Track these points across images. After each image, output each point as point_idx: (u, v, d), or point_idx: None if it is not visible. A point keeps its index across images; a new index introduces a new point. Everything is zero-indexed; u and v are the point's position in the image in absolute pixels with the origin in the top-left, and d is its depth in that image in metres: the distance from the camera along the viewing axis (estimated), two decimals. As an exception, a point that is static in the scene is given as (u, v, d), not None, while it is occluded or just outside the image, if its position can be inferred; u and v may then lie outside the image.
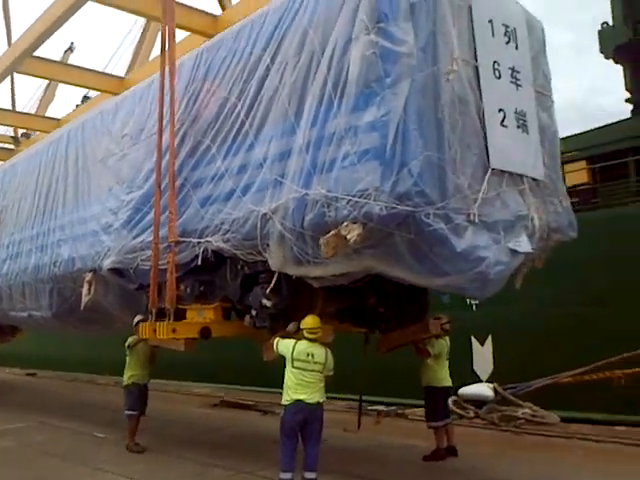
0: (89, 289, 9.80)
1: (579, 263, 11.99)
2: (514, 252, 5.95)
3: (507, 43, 6.60)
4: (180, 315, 8.28)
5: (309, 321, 6.72)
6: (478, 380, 13.36)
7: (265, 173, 6.59)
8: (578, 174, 14.56)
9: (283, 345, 6.79)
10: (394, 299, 7.79)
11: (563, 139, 15.54)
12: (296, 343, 6.71)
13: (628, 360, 10.19)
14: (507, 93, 6.44)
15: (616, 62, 15.00)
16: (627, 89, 14.98)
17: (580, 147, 14.94)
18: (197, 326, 7.73)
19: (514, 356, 12.56)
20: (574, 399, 11.49)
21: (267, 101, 6.75)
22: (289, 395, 6.69)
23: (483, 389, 12.54)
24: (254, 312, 7.20)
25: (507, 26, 6.63)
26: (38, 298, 11.74)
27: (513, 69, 6.59)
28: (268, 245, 6.49)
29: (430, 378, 8.34)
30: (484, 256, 5.57)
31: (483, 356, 13.97)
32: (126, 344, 9.37)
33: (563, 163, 14.61)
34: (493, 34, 6.42)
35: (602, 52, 14.80)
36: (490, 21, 6.40)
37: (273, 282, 6.78)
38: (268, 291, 6.88)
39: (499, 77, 6.38)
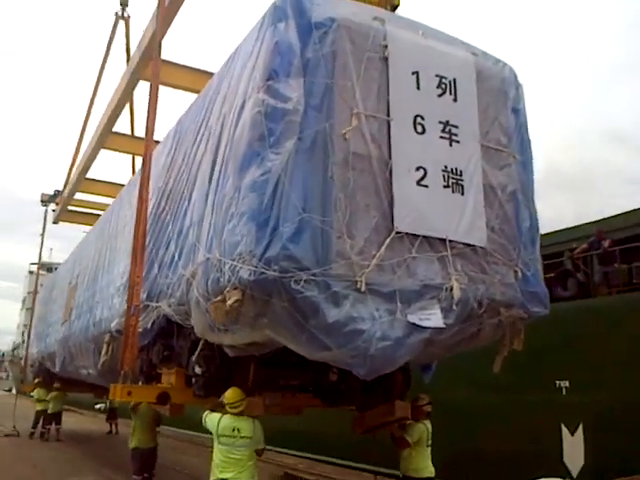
0: (107, 349, 10.19)
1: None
2: (416, 326, 5.22)
3: (440, 95, 6.02)
4: (158, 379, 8.34)
5: (228, 394, 6.32)
6: (569, 475, 11.84)
7: (190, 237, 6.52)
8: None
9: (210, 419, 6.44)
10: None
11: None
12: (221, 417, 6.33)
13: None
14: (433, 149, 5.83)
15: None
16: None
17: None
18: (155, 390, 7.65)
19: (608, 449, 11.03)
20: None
21: (197, 166, 6.74)
22: (215, 474, 6.28)
23: (553, 486, 11.03)
24: (193, 379, 7.00)
25: (443, 77, 6.07)
26: (88, 356, 12.45)
27: (446, 123, 5.98)
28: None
29: (407, 467, 7.42)
30: (361, 329, 4.95)
31: (574, 447, 12.39)
32: (129, 407, 9.52)
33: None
34: (418, 86, 5.90)
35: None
36: (415, 73, 5.90)
37: (198, 349, 6.58)
38: (196, 358, 6.68)
39: (422, 132, 5.80)
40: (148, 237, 7.95)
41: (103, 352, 10.20)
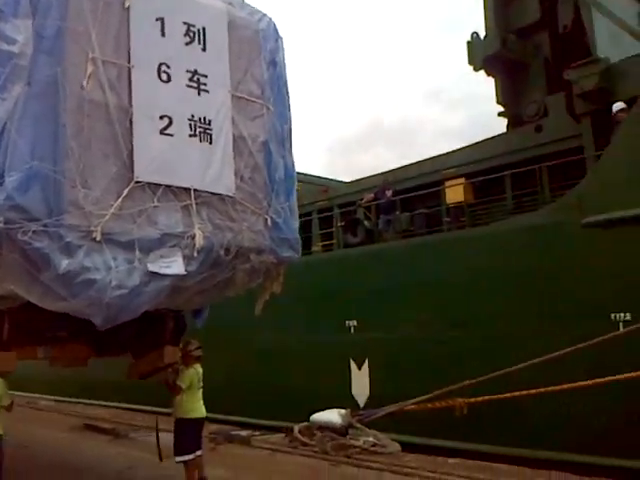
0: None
1: (446, 286, 11.76)
2: (155, 274, 5.31)
3: (188, 44, 6.01)
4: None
5: None
6: (357, 405, 12.83)
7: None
8: (455, 192, 13.95)
9: None
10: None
11: (442, 155, 15.17)
12: None
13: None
14: (179, 98, 5.84)
15: (488, 74, 14.40)
16: (498, 102, 14.34)
17: (458, 164, 14.40)
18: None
19: (388, 380, 12.20)
20: (421, 427, 10.99)
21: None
22: None
23: (332, 416, 11.84)
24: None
25: (191, 25, 6.05)
26: None
27: (195, 72, 6.00)
28: None
29: (178, 409, 7.55)
30: (94, 278, 4.95)
31: (360, 381, 13.49)
32: None
33: (443, 180, 14.25)
34: (164, 33, 5.83)
35: (471, 64, 14.20)
36: (160, 19, 5.82)
37: None
38: None
39: (167, 80, 5.78)
40: None
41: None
